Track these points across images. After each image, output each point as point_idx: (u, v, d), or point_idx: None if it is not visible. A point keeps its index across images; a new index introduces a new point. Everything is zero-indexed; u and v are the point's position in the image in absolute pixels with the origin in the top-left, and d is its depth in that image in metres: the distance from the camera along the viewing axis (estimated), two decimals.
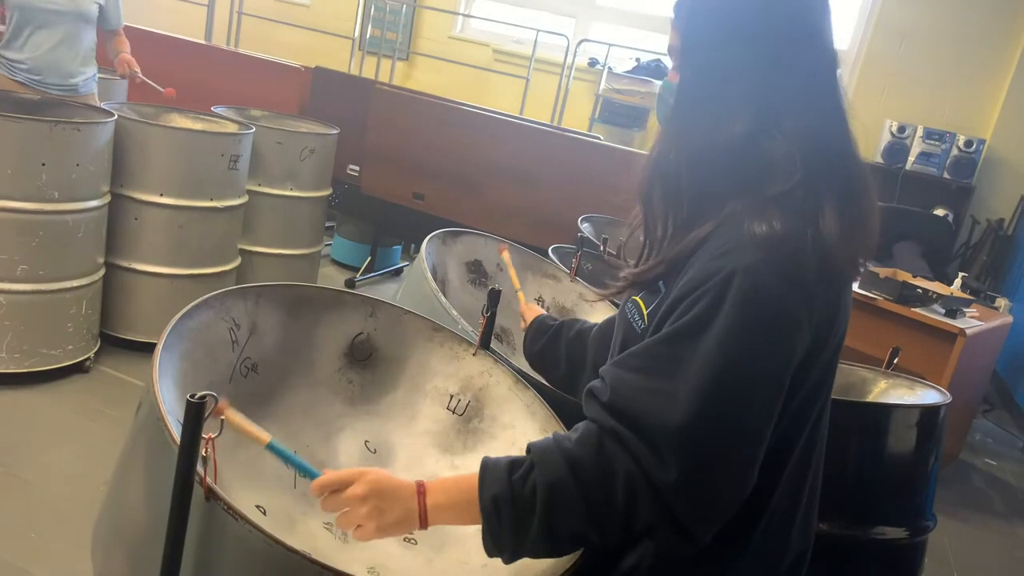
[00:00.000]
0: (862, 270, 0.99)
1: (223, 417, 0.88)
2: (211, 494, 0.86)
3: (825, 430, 1.03)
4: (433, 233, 1.83)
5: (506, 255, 1.79)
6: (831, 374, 0.99)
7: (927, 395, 2.08)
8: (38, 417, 2.77)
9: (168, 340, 1.02)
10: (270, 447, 0.91)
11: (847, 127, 0.98)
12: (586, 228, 3.13)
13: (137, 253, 3.22)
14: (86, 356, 3.09)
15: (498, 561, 0.93)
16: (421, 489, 0.93)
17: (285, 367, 1.23)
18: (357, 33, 6.39)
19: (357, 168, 4.59)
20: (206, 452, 0.87)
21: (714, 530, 0.88)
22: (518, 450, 1.30)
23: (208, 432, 0.87)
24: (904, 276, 3.75)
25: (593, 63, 6.40)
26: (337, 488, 0.91)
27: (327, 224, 4.52)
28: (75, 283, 2.95)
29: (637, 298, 1.02)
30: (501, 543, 0.90)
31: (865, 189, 0.98)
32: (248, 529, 0.84)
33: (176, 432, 0.87)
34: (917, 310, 3.43)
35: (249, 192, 3.56)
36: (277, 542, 0.84)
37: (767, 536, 0.96)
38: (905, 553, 1.92)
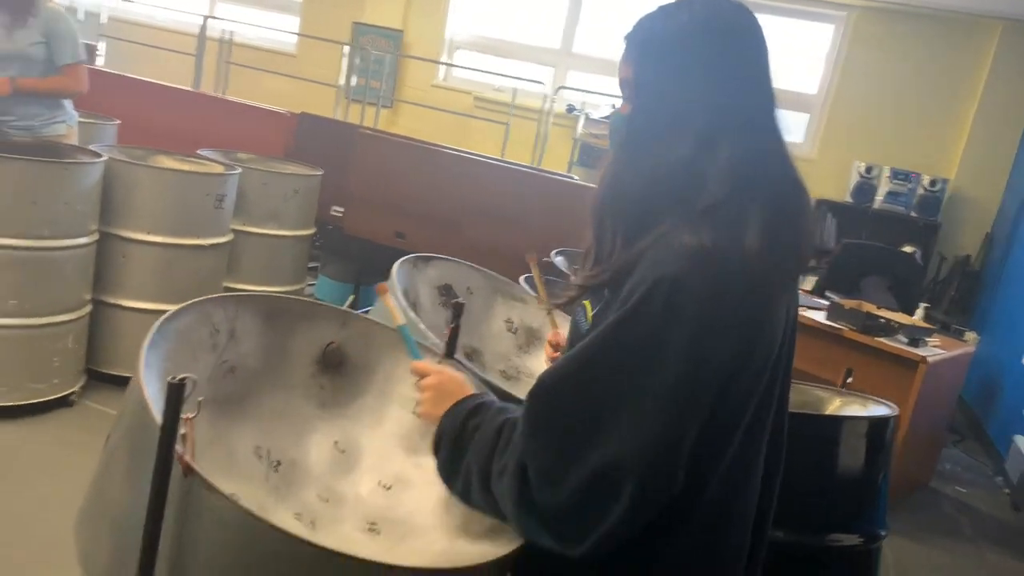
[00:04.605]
0: (796, 282, 1.08)
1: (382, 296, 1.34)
2: (189, 470, 0.94)
3: (763, 448, 1.09)
4: (404, 257, 1.90)
5: (534, 268, 1.77)
6: (764, 387, 1.04)
7: (877, 410, 2.19)
8: (22, 450, 2.83)
9: (153, 338, 1.11)
10: (399, 329, 1.31)
11: (784, 151, 1.08)
12: (560, 260, 3.27)
13: (124, 290, 3.30)
14: (71, 390, 3.15)
15: (456, 547, 0.99)
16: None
17: (261, 371, 1.32)
18: (342, 81, 6.58)
19: (341, 209, 4.72)
20: (185, 431, 0.96)
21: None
22: None
23: (187, 413, 0.96)
24: (869, 307, 3.87)
25: (571, 109, 6.61)
26: (421, 375, 1.21)
27: (311, 265, 4.62)
28: (62, 318, 3.03)
29: (586, 302, 1.12)
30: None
31: (800, 207, 1.07)
32: (224, 501, 0.93)
33: (158, 414, 0.96)
34: (880, 339, 3.55)
35: (234, 231, 3.67)
36: (250, 514, 0.92)
37: (700, 532, 1.04)
38: (860, 559, 2.01)
